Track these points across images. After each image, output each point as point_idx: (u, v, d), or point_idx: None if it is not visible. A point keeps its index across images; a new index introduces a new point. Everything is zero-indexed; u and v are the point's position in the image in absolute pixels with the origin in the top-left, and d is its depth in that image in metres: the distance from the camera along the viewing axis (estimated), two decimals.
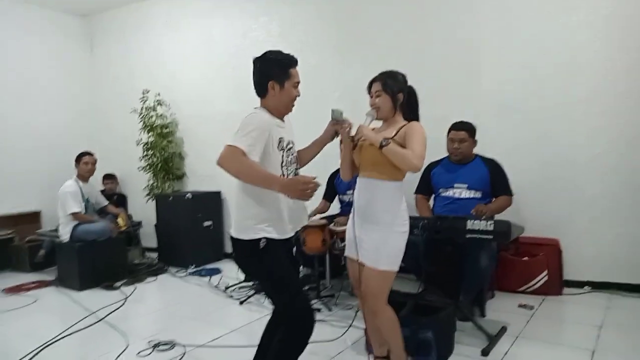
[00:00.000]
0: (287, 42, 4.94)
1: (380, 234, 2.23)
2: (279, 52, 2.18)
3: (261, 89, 2.16)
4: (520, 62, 3.99)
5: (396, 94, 2.32)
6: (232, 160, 1.96)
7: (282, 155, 2.16)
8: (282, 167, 2.15)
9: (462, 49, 4.20)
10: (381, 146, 2.16)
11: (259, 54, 2.19)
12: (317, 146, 2.38)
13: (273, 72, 2.12)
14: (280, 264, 2.12)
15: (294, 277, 2.26)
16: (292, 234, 2.21)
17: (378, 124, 2.44)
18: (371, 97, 2.36)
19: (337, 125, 2.31)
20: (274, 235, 2.08)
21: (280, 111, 2.18)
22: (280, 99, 2.14)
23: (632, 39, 3.61)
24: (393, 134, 2.26)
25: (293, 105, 2.22)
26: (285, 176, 2.14)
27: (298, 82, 2.18)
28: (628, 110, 3.65)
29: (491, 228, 2.67)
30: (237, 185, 2.13)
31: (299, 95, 2.20)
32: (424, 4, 4.38)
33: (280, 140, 2.14)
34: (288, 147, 2.19)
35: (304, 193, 1.94)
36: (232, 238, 2.16)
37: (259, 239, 2.06)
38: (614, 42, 3.68)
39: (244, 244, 2.08)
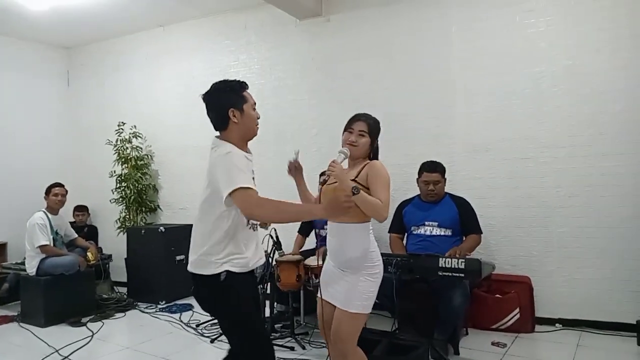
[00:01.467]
0: (265, 80, 5.07)
1: (351, 277, 2.22)
2: (226, 81, 2.14)
3: (222, 121, 2.07)
4: (491, 106, 4.15)
5: (376, 139, 2.39)
6: (258, 204, 1.91)
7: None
8: None
9: (435, 93, 4.36)
10: (353, 193, 2.14)
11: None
12: (301, 183, 2.41)
13: (229, 100, 2.06)
14: (243, 301, 2.05)
15: (256, 317, 2.17)
16: (254, 266, 2.13)
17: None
18: (351, 133, 2.35)
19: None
20: (236, 269, 2.01)
21: (246, 137, 2.13)
22: (244, 124, 2.08)
23: (593, 88, 3.80)
24: (355, 175, 2.28)
25: (257, 127, 2.15)
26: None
27: (255, 103, 2.14)
28: (591, 155, 3.81)
29: (463, 266, 2.72)
30: (197, 219, 2.08)
31: (259, 117, 2.15)
32: (398, 52, 4.55)
33: (253, 172, 2.10)
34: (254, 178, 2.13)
35: (346, 205, 1.92)
36: (191, 274, 2.06)
37: (220, 273, 1.98)
38: (576, 91, 3.86)
39: (204, 279, 2.00)
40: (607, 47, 3.76)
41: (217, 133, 2.13)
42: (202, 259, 2.02)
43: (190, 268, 2.07)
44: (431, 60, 4.39)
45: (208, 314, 4.34)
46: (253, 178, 2.06)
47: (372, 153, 2.41)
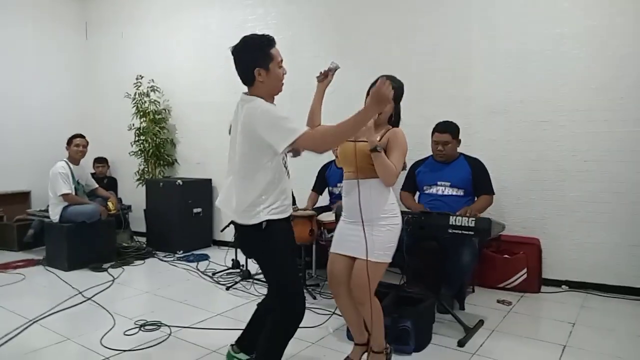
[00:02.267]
0: (282, 35, 4.99)
1: (371, 229, 2.28)
2: (255, 36, 2.12)
3: (248, 78, 2.11)
4: (508, 68, 4.09)
5: (398, 103, 2.41)
6: (326, 137, 2.01)
7: None
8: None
9: (452, 53, 4.29)
10: (373, 149, 2.19)
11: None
12: (317, 105, 2.47)
13: (256, 58, 2.07)
14: (283, 247, 2.16)
15: (294, 262, 2.29)
16: (289, 214, 2.20)
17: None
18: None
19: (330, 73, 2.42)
20: (276, 216, 2.10)
21: (272, 94, 2.17)
22: (269, 83, 2.11)
23: (615, 49, 3.71)
24: (379, 138, 2.31)
25: (282, 84, 2.18)
26: (284, 162, 2.16)
27: (281, 60, 2.14)
28: (610, 119, 3.76)
29: (473, 225, 2.76)
30: (237, 173, 2.13)
31: (285, 73, 2.17)
32: (416, 12, 4.45)
33: None
34: None
35: (388, 92, 1.94)
36: (235, 224, 2.18)
37: (262, 222, 2.07)
38: (597, 53, 3.78)
39: (249, 228, 2.10)
40: (632, 8, 3.64)
41: (233, 88, 2.17)
42: (248, 210, 2.08)
43: (235, 219, 2.16)
44: (449, 19, 4.30)
45: (225, 265, 4.57)
46: None
47: (394, 116, 2.43)
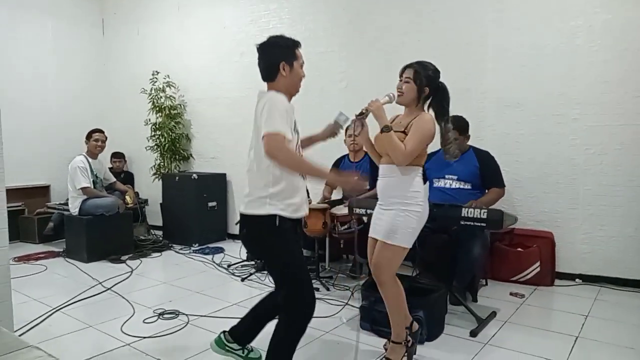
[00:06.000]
0: (295, 30, 5.05)
1: (392, 212, 2.36)
2: (282, 36, 2.25)
3: (271, 73, 2.19)
4: (521, 62, 4.08)
5: (423, 86, 2.39)
6: (280, 150, 1.99)
7: (297, 138, 2.23)
8: (296, 149, 2.21)
9: (466, 46, 4.30)
10: (381, 130, 2.30)
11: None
12: (309, 142, 2.46)
13: (282, 54, 2.18)
14: (290, 245, 2.18)
15: (302, 261, 2.26)
16: (301, 215, 2.23)
17: (400, 109, 2.52)
18: (400, 81, 2.44)
19: (337, 128, 2.45)
20: (286, 214, 2.12)
21: (290, 92, 2.23)
22: (290, 80, 2.20)
23: (630, 43, 3.70)
24: (407, 124, 2.37)
25: (300, 85, 2.28)
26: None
27: (303, 63, 2.26)
28: (624, 113, 3.74)
29: (485, 216, 2.78)
30: (253, 161, 2.18)
31: (304, 76, 2.27)
32: (429, 5, 4.47)
33: (295, 122, 2.21)
34: (296, 129, 2.25)
35: (359, 187, 2.12)
36: (242, 215, 2.20)
37: (273, 215, 2.10)
38: (612, 46, 3.76)
39: (257, 219, 2.12)
40: None
41: (247, 83, 2.22)
42: (257, 200, 2.13)
43: (242, 209, 2.19)
44: (463, 12, 4.30)
45: (240, 257, 4.65)
46: (296, 129, 2.20)
47: (437, 105, 2.44)
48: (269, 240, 2.16)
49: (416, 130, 2.33)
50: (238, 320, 2.51)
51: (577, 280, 3.98)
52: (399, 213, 2.35)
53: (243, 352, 2.44)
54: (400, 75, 2.45)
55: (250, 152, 2.22)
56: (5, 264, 2.63)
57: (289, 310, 2.17)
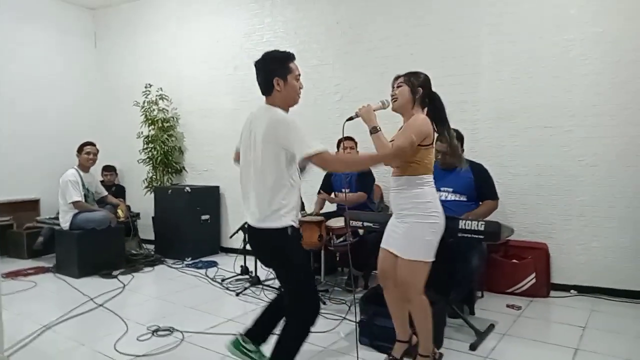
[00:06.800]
0: (290, 43, 5.07)
1: (407, 226, 2.37)
2: (276, 51, 2.32)
3: (267, 87, 2.27)
4: (516, 74, 4.12)
5: (416, 86, 2.45)
6: (334, 163, 2.30)
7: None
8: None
9: (461, 58, 4.33)
10: (370, 132, 2.35)
11: (260, 55, 2.31)
12: None
13: (275, 69, 2.24)
14: (302, 252, 2.33)
15: (310, 269, 2.44)
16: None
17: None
18: (393, 88, 2.52)
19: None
20: (295, 224, 2.23)
21: (288, 104, 2.30)
22: (286, 93, 2.26)
23: (621, 55, 3.75)
24: (400, 128, 2.43)
25: (299, 97, 2.33)
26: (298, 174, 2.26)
27: (299, 75, 2.31)
28: (617, 124, 3.79)
29: (482, 228, 2.77)
30: (258, 178, 2.21)
31: (301, 87, 2.33)
32: (424, 17, 4.51)
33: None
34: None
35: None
36: (256, 229, 2.24)
37: (286, 227, 2.18)
38: (604, 59, 3.81)
39: (274, 232, 2.18)
40: (639, 14, 3.68)
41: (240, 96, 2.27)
42: (272, 214, 2.18)
43: (255, 224, 2.23)
44: (458, 25, 4.35)
45: (234, 271, 4.59)
46: None
47: (434, 113, 2.48)
48: (287, 250, 2.23)
49: (407, 127, 2.38)
50: (251, 322, 2.56)
51: (571, 291, 3.98)
52: (413, 226, 2.35)
53: (256, 356, 2.50)
54: (393, 86, 2.53)
55: (249, 169, 2.25)
56: None
57: (295, 315, 2.25)
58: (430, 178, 2.43)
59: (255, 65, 2.31)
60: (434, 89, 2.54)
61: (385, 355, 2.63)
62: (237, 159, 2.46)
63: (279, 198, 2.18)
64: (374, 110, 2.44)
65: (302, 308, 2.25)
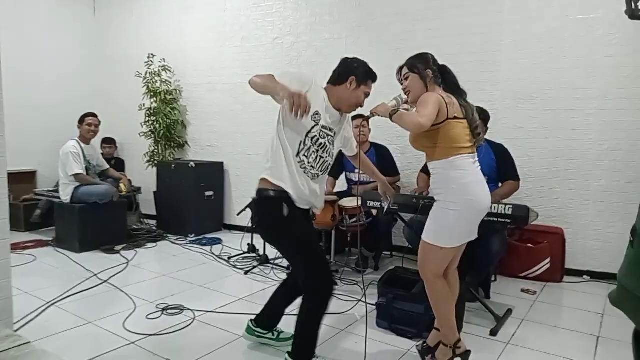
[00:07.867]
0: (300, 15, 4.86)
1: (434, 208, 2.27)
2: (367, 64, 2.35)
3: (340, 79, 2.29)
4: (537, 54, 3.98)
5: (424, 70, 2.28)
6: (258, 77, 2.20)
7: (314, 128, 2.20)
8: (305, 136, 2.19)
9: (481, 36, 4.17)
10: (390, 116, 2.19)
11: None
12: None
13: (358, 72, 2.28)
14: (304, 228, 2.32)
15: (316, 242, 2.42)
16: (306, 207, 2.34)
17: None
18: (401, 82, 2.37)
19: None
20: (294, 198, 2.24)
21: (340, 104, 2.30)
22: (349, 94, 2.28)
23: None
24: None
25: (354, 109, 2.36)
26: (307, 160, 2.24)
27: (368, 93, 2.34)
28: None
29: (510, 212, 2.69)
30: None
31: (362, 106, 2.35)
32: None
33: (317, 113, 2.20)
34: (323, 133, 2.24)
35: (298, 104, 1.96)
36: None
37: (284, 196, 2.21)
38: (632, 41, 3.67)
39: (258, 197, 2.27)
40: None
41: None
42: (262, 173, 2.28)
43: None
44: (479, 0, 4.18)
45: (241, 249, 4.49)
46: (316, 115, 2.22)
47: (447, 86, 2.32)
48: (281, 223, 2.27)
49: (419, 103, 2.19)
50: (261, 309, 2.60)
51: (584, 276, 3.93)
52: (436, 210, 2.25)
53: (273, 335, 2.58)
54: (399, 80, 2.39)
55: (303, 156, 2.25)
56: (7, 258, 2.45)
57: (311, 295, 2.22)
58: (456, 160, 2.23)
59: (343, 59, 2.35)
60: (453, 66, 2.38)
61: (412, 342, 2.53)
62: None
63: (267, 157, 2.31)
64: (390, 107, 2.28)
65: (309, 289, 2.24)
